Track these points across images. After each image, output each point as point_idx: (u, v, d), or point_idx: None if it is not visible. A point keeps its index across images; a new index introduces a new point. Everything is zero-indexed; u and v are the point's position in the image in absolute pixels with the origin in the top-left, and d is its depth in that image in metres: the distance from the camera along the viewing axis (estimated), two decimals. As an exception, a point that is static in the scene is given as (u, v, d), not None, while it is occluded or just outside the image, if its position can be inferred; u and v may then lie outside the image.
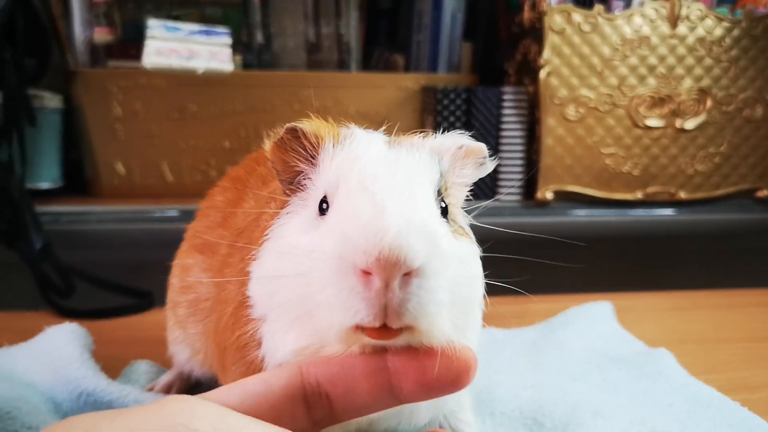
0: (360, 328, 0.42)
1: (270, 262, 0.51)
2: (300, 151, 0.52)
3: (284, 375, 0.45)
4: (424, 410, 0.55)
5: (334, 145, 0.51)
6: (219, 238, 0.67)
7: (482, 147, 0.55)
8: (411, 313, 0.41)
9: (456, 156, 0.53)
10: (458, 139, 0.54)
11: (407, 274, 0.41)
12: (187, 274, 0.72)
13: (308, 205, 0.51)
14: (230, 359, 0.57)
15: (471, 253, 0.52)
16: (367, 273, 0.41)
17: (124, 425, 0.37)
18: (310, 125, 0.52)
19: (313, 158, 0.52)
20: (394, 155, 0.49)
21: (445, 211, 0.50)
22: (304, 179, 0.53)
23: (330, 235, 0.44)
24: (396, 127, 0.56)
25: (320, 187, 0.50)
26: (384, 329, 0.42)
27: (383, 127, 0.56)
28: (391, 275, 0.40)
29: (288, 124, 0.52)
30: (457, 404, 0.62)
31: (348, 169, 0.48)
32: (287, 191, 0.54)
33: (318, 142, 0.52)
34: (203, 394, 0.43)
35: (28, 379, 0.75)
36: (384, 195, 0.44)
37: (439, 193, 0.50)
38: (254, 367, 0.54)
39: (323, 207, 0.49)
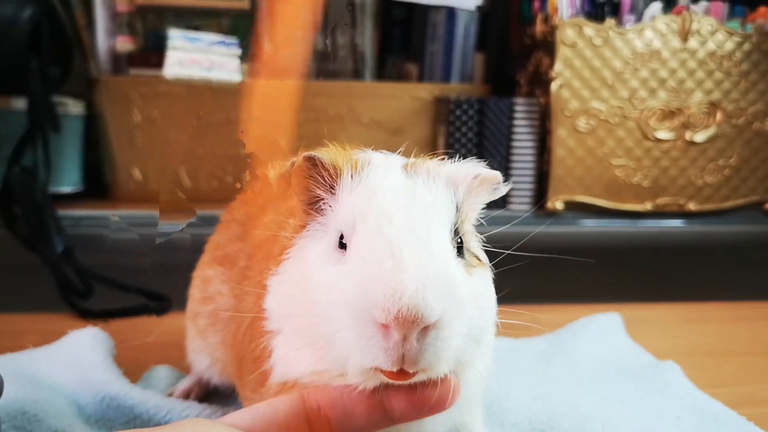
0: (378, 369, 0.45)
1: (290, 281, 0.52)
2: (318, 179, 0.53)
3: (289, 399, 0.49)
4: (440, 423, 0.57)
5: (352, 176, 0.51)
6: (239, 251, 0.69)
7: (497, 175, 0.55)
8: (426, 360, 0.44)
9: (471, 185, 0.54)
10: (474, 169, 0.54)
11: (424, 328, 0.43)
12: (208, 286, 0.74)
13: (328, 232, 0.52)
14: (247, 369, 0.59)
15: (484, 283, 0.53)
16: (385, 326, 0.43)
17: None
18: (327, 155, 0.52)
19: (332, 187, 0.52)
20: (411, 187, 0.50)
21: (460, 247, 0.51)
22: (324, 205, 0.53)
23: (349, 282, 0.46)
24: (411, 140, 0.55)
25: (339, 218, 0.51)
26: (401, 372, 0.44)
27: (401, 148, 0.57)
28: (409, 331, 0.43)
29: (306, 153, 0.52)
30: (470, 416, 0.64)
31: (366, 206, 0.48)
32: (307, 212, 0.55)
33: (336, 172, 0.52)
34: (218, 420, 0.47)
35: (52, 382, 0.77)
36: (401, 243, 0.45)
37: (456, 232, 0.51)
38: (268, 376, 0.55)
39: (342, 240, 0.50)
